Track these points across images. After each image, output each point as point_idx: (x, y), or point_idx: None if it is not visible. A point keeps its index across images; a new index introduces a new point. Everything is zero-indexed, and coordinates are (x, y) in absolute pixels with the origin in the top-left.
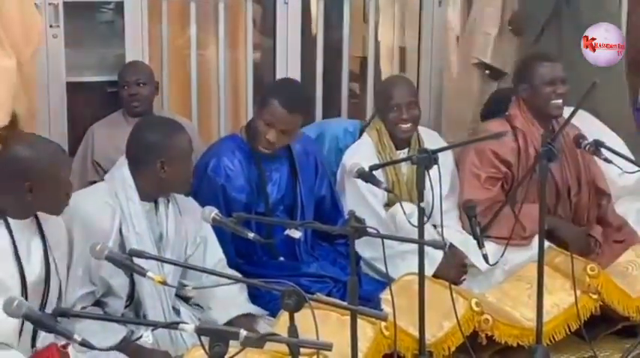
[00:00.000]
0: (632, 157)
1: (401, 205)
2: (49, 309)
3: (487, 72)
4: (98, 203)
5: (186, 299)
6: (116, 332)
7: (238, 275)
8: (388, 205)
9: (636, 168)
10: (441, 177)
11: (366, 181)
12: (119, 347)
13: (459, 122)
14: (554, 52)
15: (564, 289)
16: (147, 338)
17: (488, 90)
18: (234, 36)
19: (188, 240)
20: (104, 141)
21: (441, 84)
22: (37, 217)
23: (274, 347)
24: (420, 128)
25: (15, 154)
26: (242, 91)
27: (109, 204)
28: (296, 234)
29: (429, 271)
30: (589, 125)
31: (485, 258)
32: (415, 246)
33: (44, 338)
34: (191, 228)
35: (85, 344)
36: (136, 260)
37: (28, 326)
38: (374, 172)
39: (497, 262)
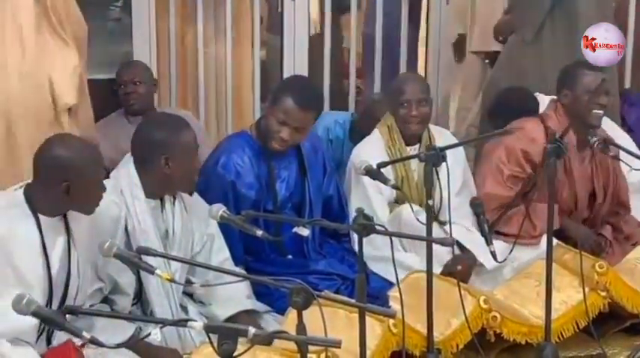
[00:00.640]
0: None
1: (411, 206)
2: None
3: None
4: (103, 200)
5: (190, 294)
6: (125, 330)
7: (244, 272)
8: (397, 202)
9: None
10: (451, 174)
11: (374, 178)
12: (128, 344)
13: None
14: (548, 50)
15: (573, 286)
16: (155, 335)
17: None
18: (241, 33)
19: (194, 237)
20: (104, 141)
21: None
22: (65, 215)
23: (283, 344)
24: (431, 126)
25: (55, 154)
26: (248, 88)
27: (114, 202)
28: (304, 231)
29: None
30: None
31: (494, 255)
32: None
33: (60, 338)
34: (197, 226)
35: (94, 342)
36: (143, 257)
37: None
38: (382, 169)
39: (505, 259)
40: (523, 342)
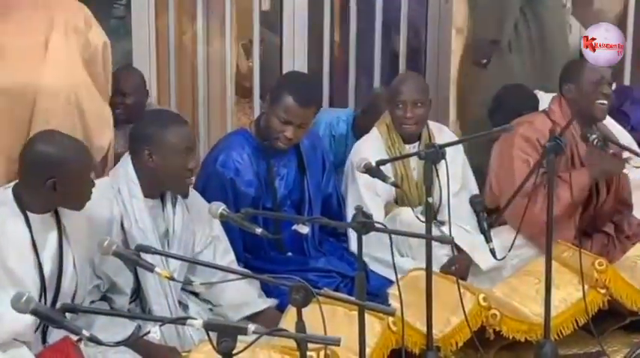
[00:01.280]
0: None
1: (412, 209)
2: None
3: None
4: (95, 197)
5: (196, 293)
6: (124, 328)
7: (248, 271)
8: (396, 202)
9: None
10: (450, 172)
11: (373, 176)
12: (127, 342)
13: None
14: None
15: (572, 284)
16: (154, 333)
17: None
18: (240, 30)
19: (196, 237)
20: None
21: (447, 80)
22: (56, 211)
23: (282, 342)
24: (431, 123)
25: (40, 150)
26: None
27: (107, 199)
28: (304, 229)
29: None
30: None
31: (493, 252)
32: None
33: (55, 334)
34: (199, 226)
35: (94, 340)
36: (142, 255)
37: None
38: (381, 167)
39: (504, 257)
40: (522, 340)
